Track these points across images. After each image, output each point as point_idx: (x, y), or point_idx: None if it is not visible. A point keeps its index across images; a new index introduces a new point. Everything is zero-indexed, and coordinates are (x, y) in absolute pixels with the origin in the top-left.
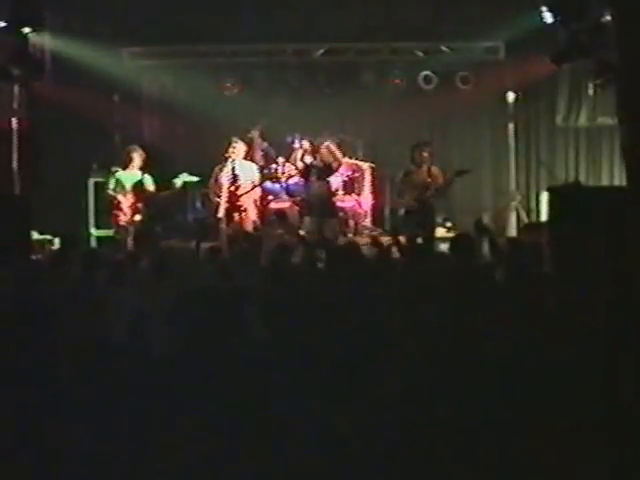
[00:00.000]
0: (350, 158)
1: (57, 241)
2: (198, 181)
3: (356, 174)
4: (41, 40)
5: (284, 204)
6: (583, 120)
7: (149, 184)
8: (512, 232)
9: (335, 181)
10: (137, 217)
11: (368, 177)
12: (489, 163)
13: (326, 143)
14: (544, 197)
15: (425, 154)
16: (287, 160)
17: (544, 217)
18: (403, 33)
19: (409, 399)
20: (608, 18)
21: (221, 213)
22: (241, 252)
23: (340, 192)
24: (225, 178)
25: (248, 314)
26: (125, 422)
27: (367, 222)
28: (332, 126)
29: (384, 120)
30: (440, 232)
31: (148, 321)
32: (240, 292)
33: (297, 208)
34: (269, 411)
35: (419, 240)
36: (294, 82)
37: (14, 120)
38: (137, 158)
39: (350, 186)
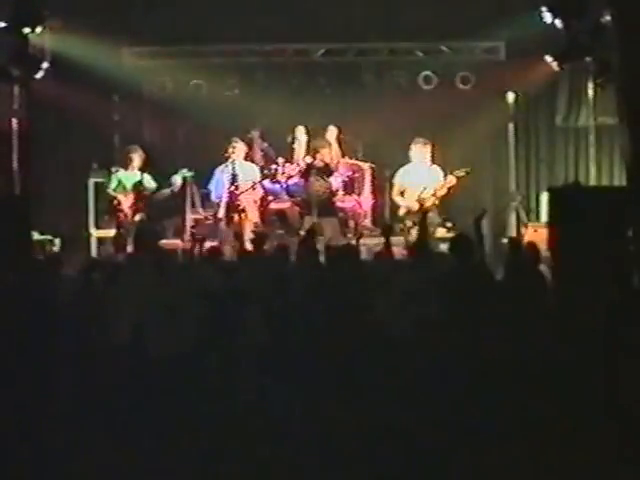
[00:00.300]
0: (350, 158)
1: (57, 241)
2: (195, 177)
3: (356, 174)
4: (41, 40)
5: (284, 204)
6: (583, 120)
7: (149, 184)
8: (512, 232)
9: (335, 181)
10: (137, 217)
11: (368, 177)
12: (489, 163)
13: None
14: (544, 197)
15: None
16: (287, 160)
17: (544, 217)
18: (403, 33)
19: (409, 399)
20: (608, 18)
21: (221, 213)
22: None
23: (340, 192)
24: (225, 178)
25: (249, 315)
26: (125, 422)
27: (367, 222)
28: (332, 126)
29: (384, 120)
30: (440, 232)
31: (148, 321)
32: (241, 293)
33: (297, 208)
34: (269, 410)
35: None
36: (294, 82)
37: (14, 120)
38: (136, 158)
39: (350, 186)
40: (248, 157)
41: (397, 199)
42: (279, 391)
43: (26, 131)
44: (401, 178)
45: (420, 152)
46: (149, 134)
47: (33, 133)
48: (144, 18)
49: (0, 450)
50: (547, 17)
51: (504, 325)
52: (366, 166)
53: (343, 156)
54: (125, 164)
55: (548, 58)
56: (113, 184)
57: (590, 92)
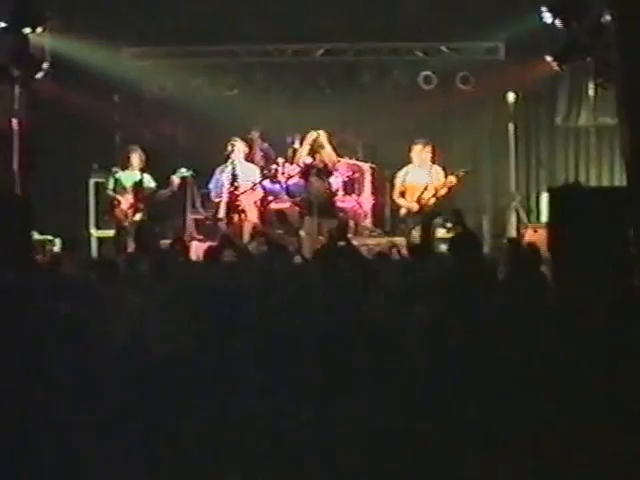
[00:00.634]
0: (350, 158)
1: (57, 241)
2: (194, 176)
3: (356, 174)
4: (41, 40)
5: (284, 204)
6: (583, 120)
7: (149, 184)
8: (512, 232)
9: (335, 182)
10: (137, 217)
11: (368, 177)
12: (489, 163)
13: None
14: (544, 198)
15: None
16: (287, 160)
17: (544, 218)
18: (403, 33)
19: (408, 399)
20: (608, 18)
21: (221, 213)
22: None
23: (340, 193)
24: (225, 179)
25: (247, 315)
26: (125, 422)
27: (367, 223)
28: (332, 126)
29: (384, 120)
30: (440, 232)
31: (148, 321)
32: (240, 293)
33: (297, 208)
34: (269, 410)
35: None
36: (294, 82)
37: (14, 120)
38: (135, 159)
39: (350, 187)
40: (248, 157)
41: (397, 199)
42: (279, 391)
43: (26, 131)
44: (401, 178)
45: (420, 152)
46: (149, 134)
47: (33, 133)
48: (144, 18)
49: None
50: (547, 17)
51: (504, 325)
52: (366, 166)
53: (339, 157)
54: (124, 164)
55: (548, 58)
56: (113, 184)
57: (590, 92)
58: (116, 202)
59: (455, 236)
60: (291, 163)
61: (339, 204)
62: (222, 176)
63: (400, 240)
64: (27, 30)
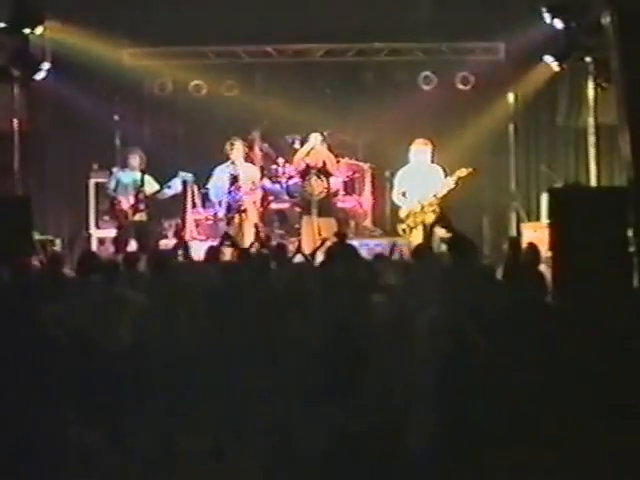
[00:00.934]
0: (350, 158)
1: (58, 241)
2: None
3: (356, 174)
4: (41, 40)
5: (284, 204)
6: (583, 120)
7: (150, 185)
8: (512, 232)
9: (335, 182)
10: (137, 217)
11: (368, 177)
12: (489, 163)
13: (317, 146)
14: (544, 197)
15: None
16: (287, 161)
17: (544, 217)
18: (403, 33)
19: (408, 398)
20: (608, 18)
21: (221, 213)
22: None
23: (341, 193)
24: (225, 178)
25: (247, 315)
26: (126, 421)
27: (367, 223)
28: (332, 126)
29: (384, 120)
30: (440, 233)
31: (149, 321)
32: (239, 294)
33: (297, 208)
34: (270, 411)
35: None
36: (294, 82)
37: (15, 120)
38: (134, 160)
39: (350, 186)
40: (248, 157)
41: (398, 200)
42: (279, 391)
43: (27, 131)
44: (401, 179)
45: (420, 152)
46: (149, 134)
47: (33, 133)
48: (144, 18)
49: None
50: (547, 17)
51: (503, 326)
52: (366, 166)
53: (339, 157)
54: (124, 165)
55: (548, 58)
56: (113, 184)
57: (590, 92)
58: (116, 202)
59: (452, 237)
60: (290, 163)
61: (339, 204)
62: (222, 176)
63: (401, 240)
64: (27, 30)
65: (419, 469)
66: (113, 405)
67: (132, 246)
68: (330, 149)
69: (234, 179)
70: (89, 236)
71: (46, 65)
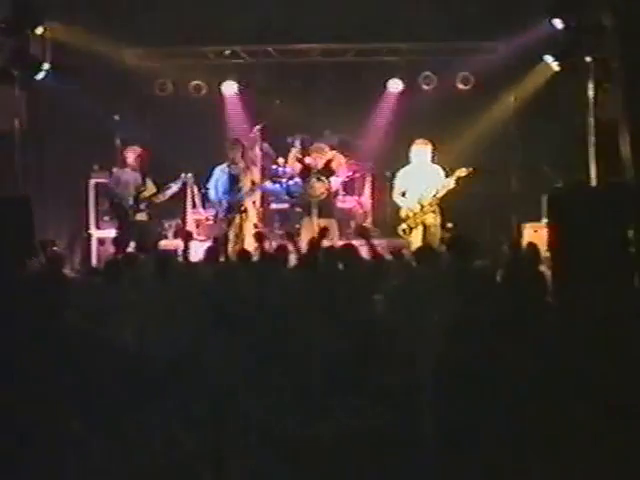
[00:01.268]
0: (350, 158)
1: (58, 242)
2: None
3: (356, 175)
4: (42, 41)
5: (284, 204)
6: (583, 120)
7: (150, 185)
8: (512, 232)
9: (336, 182)
10: (138, 217)
11: (368, 178)
12: (489, 163)
13: (317, 145)
14: (544, 198)
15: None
16: (287, 161)
17: (544, 218)
18: (403, 33)
19: (409, 398)
20: (608, 18)
21: (222, 214)
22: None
23: (341, 193)
24: (225, 178)
25: (245, 316)
26: (127, 420)
27: (368, 223)
28: (332, 126)
29: (384, 120)
30: (440, 233)
31: (150, 321)
32: (238, 294)
33: (297, 208)
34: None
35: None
36: (294, 82)
37: (15, 121)
38: (131, 157)
39: (350, 187)
40: (248, 157)
41: (398, 200)
42: (279, 392)
43: (27, 131)
44: (402, 179)
45: (420, 152)
46: (149, 134)
47: (34, 133)
48: (144, 18)
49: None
50: (547, 17)
51: (503, 326)
52: (366, 166)
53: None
54: (123, 164)
55: (548, 58)
56: (114, 185)
57: (590, 92)
58: (117, 202)
59: (452, 237)
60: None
61: (340, 204)
62: (222, 176)
63: (401, 241)
64: (28, 31)
65: (421, 469)
66: (113, 405)
67: (132, 246)
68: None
69: (234, 179)
70: (89, 236)
71: (46, 65)
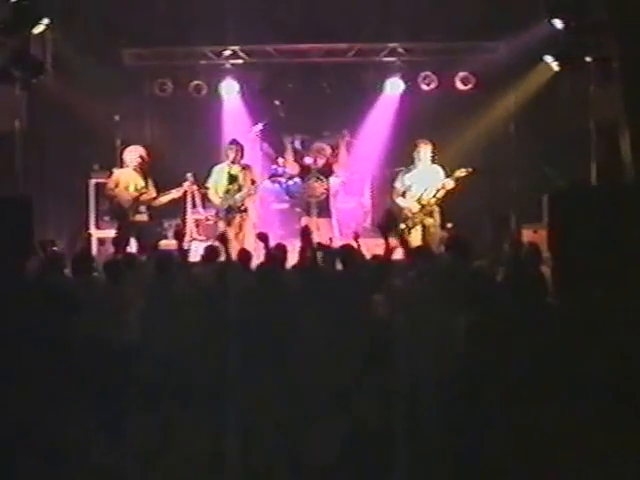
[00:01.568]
0: (350, 159)
1: (58, 242)
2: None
3: (356, 174)
4: (42, 41)
5: (284, 204)
6: (583, 120)
7: (150, 184)
8: (512, 233)
9: (335, 182)
10: (138, 217)
11: (368, 178)
12: (489, 163)
13: (317, 145)
14: (545, 198)
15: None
16: (287, 160)
17: (544, 218)
18: (403, 33)
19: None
20: (608, 18)
21: (222, 214)
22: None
23: (341, 193)
24: (225, 178)
25: (246, 316)
26: (127, 422)
27: (368, 223)
28: (332, 126)
29: (384, 120)
30: (440, 233)
31: (149, 321)
32: (237, 294)
33: (297, 208)
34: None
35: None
36: (294, 82)
37: (16, 121)
38: (127, 156)
39: (351, 187)
40: (248, 157)
41: (398, 200)
42: (279, 392)
43: (27, 131)
44: (402, 179)
45: (420, 152)
46: (149, 134)
47: (34, 134)
48: (144, 18)
49: (1, 450)
50: (547, 17)
51: (504, 326)
52: (366, 166)
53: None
54: (122, 164)
55: (548, 58)
56: (114, 185)
57: (590, 92)
58: (117, 202)
59: (451, 237)
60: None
61: (340, 205)
62: (222, 175)
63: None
64: (28, 31)
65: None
66: (113, 405)
67: (132, 246)
68: (332, 149)
69: (234, 179)
70: (89, 236)
71: (47, 66)
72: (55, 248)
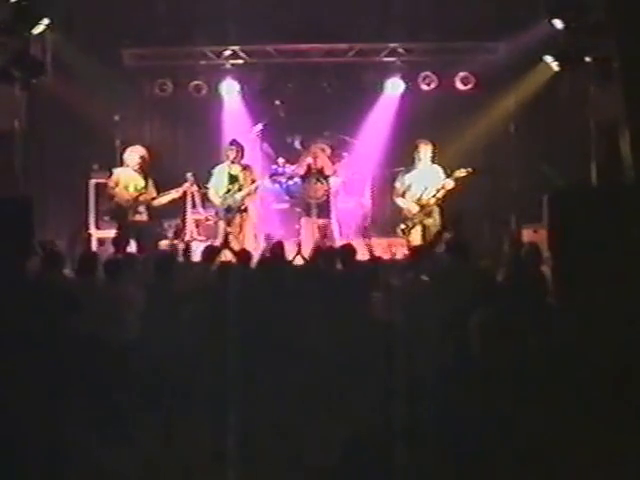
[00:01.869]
0: (350, 159)
1: (58, 242)
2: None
3: (357, 175)
4: (42, 41)
5: (284, 205)
6: (582, 120)
7: (150, 185)
8: (512, 233)
9: (336, 182)
10: (137, 217)
11: (368, 178)
12: (489, 163)
13: (317, 145)
14: (545, 198)
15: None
16: (287, 161)
17: (545, 218)
18: (403, 33)
19: (408, 398)
20: (608, 18)
21: (222, 214)
22: None
23: (341, 193)
24: (225, 178)
25: (243, 315)
26: (127, 421)
27: (368, 223)
28: (332, 126)
29: (384, 120)
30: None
31: (149, 320)
32: (235, 294)
33: (297, 208)
34: (270, 411)
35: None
36: (294, 82)
37: (15, 121)
38: (129, 157)
39: (351, 187)
40: (248, 157)
41: (398, 200)
42: (279, 392)
43: (27, 131)
44: (402, 179)
45: (420, 152)
46: (149, 135)
47: (34, 134)
48: (144, 18)
49: (2, 449)
50: (547, 17)
51: (504, 326)
52: (366, 167)
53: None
54: (122, 164)
55: (548, 58)
56: (113, 185)
57: (590, 92)
58: (117, 202)
59: (451, 237)
60: (291, 164)
61: (340, 205)
62: (222, 176)
63: (401, 241)
64: (28, 31)
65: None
66: (113, 405)
67: (132, 246)
68: (332, 149)
69: (234, 179)
70: (89, 236)
71: (47, 66)
72: (54, 248)
